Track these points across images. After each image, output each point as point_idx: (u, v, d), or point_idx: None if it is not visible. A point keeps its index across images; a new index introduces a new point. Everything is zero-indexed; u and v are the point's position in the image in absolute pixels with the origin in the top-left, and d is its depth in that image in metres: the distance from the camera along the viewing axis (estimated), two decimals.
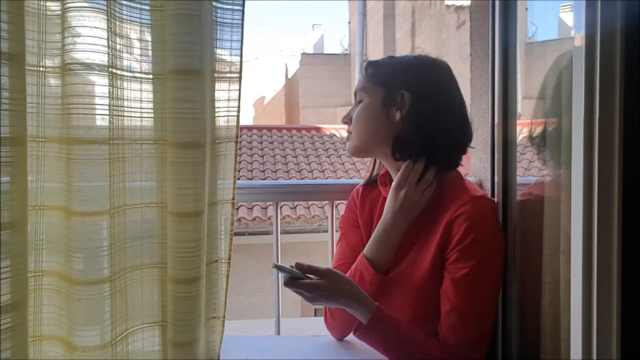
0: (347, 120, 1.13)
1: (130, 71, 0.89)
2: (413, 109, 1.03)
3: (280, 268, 0.96)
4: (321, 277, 0.97)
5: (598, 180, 0.68)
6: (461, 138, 1.07)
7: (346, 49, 12.50)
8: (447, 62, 1.11)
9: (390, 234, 1.04)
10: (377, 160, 1.19)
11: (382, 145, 1.08)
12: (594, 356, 0.69)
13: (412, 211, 1.03)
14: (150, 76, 0.90)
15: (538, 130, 1.00)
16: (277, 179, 6.28)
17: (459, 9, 6.16)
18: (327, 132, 8.33)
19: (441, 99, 1.05)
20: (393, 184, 1.05)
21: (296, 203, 5.76)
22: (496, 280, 1.00)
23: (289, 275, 0.96)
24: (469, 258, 0.95)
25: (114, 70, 0.86)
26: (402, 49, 8.26)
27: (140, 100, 0.90)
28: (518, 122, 1.07)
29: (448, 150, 1.06)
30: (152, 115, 0.91)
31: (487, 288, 0.97)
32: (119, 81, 0.87)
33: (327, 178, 6.38)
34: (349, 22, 12.10)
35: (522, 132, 1.08)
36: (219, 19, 0.91)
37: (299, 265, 0.97)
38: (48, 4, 0.83)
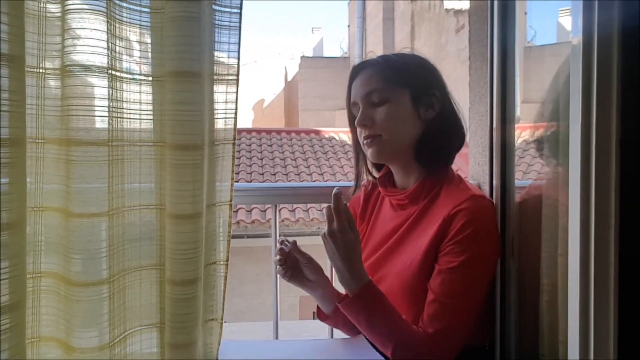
0: (368, 121, 1.07)
1: (130, 73, 0.89)
2: (439, 108, 1.07)
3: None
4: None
5: (595, 183, 0.68)
6: (463, 135, 1.11)
7: (345, 52, 12.53)
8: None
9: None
10: (362, 167, 1.20)
11: (408, 147, 1.08)
12: (591, 356, 0.69)
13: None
14: (150, 78, 0.90)
15: (539, 133, 1.00)
16: (276, 182, 6.29)
17: (458, 12, 6.17)
18: (326, 135, 8.34)
19: (451, 95, 1.10)
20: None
21: (295, 206, 5.78)
22: (484, 279, 1.00)
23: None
24: (460, 252, 0.96)
25: (114, 72, 0.86)
26: None
27: (139, 102, 0.90)
28: (517, 125, 1.07)
29: (460, 145, 1.10)
30: (151, 117, 0.91)
31: (473, 284, 0.97)
32: (118, 83, 0.87)
33: (326, 181, 6.38)
34: (349, 26, 12.14)
35: (520, 135, 1.08)
36: (217, 22, 0.91)
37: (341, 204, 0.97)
38: (48, 6, 0.83)
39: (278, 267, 1.12)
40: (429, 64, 1.12)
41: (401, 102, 1.06)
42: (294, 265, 1.13)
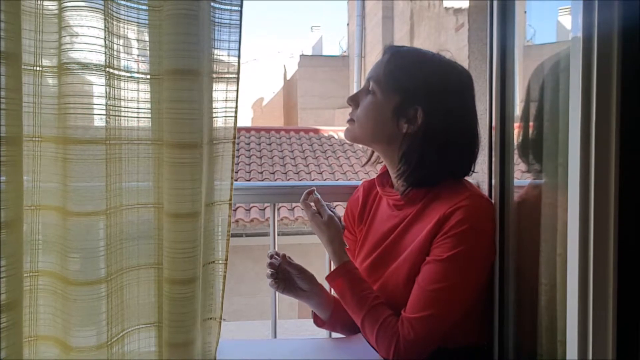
0: (352, 103, 1.11)
1: (128, 71, 0.89)
2: (423, 128, 1.02)
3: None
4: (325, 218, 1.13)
5: (594, 183, 0.68)
6: (467, 157, 1.07)
7: (345, 51, 12.51)
8: (470, 73, 1.10)
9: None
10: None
11: (383, 144, 1.08)
12: (590, 356, 0.69)
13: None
14: (148, 76, 0.90)
15: (532, 132, 1.00)
16: (275, 181, 6.28)
17: (457, 11, 6.16)
18: (325, 134, 8.33)
19: (455, 118, 1.04)
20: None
21: (294, 204, 5.76)
22: (474, 276, 0.99)
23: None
24: (451, 247, 0.96)
25: (111, 70, 0.85)
26: None
27: (137, 101, 0.90)
28: (516, 124, 1.07)
29: (453, 167, 1.06)
30: (149, 115, 0.90)
31: (458, 278, 0.96)
32: (116, 81, 0.86)
33: (325, 180, 6.38)
34: (348, 24, 12.11)
35: (520, 134, 1.08)
36: (216, 20, 0.91)
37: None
38: (45, 3, 0.83)
39: (270, 280, 1.15)
40: (447, 78, 1.05)
41: (383, 104, 1.05)
42: (286, 277, 1.16)
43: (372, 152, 1.19)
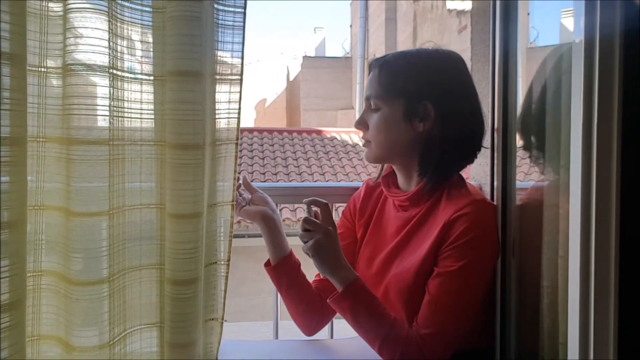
0: (361, 126, 1.10)
1: (131, 72, 0.89)
2: (437, 118, 1.03)
3: (309, 206, 1.08)
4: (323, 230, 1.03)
5: (596, 185, 0.68)
6: (479, 134, 1.08)
7: (348, 52, 12.53)
8: (456, 53, 1.10)
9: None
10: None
11: (404, 155, 1.08)
12: (591, 357, 0.69)
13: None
14: (151, 77, 0.90)
15: (534, 134, 1.00)
16: (277, 182, 6.28)
17: (460, 13, 6.16)
18: (328, 135, 8.34)
19: (463, 100, 1.05)
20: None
21: (296, 206, 5.77)
22: (482, 283, 1.00)
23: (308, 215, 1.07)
24: (460, 257, 0.96)
25: (115, 72, 0.86)
26: None
27: (140, 102, 0.90)
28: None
29: (470, 150, 1.07)
30: (152, 116, 0.91)
31: (470, 288, 0.97)
32: (119, 82, 0.87)
33: (327, 181, 6.38)
34: (351, 26, 12.12)
35: (522, 137, 1.08)
36: (220, 21, 0.91)
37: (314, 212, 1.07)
38: (50, 4, 0.83)
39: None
40: (441, 65, 1.06)
41: (392, 113, 1.05)
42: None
43: (382, 167, 1.19)
